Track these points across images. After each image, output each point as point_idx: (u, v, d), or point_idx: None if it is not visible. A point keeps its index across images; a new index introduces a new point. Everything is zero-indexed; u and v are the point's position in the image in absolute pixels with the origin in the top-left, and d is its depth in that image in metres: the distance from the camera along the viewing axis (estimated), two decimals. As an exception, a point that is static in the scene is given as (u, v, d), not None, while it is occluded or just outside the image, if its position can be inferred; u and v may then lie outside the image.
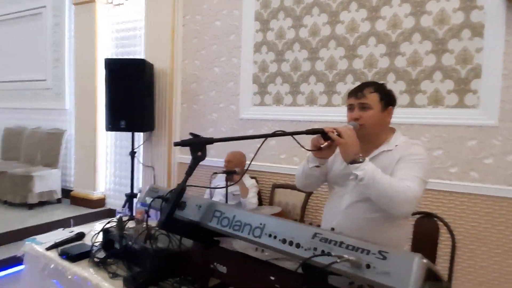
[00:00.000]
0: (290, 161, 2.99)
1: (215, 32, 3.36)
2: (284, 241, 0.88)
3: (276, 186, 2.89)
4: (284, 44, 3.03)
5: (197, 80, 3.49)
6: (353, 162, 1.25)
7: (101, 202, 4.16)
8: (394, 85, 2.53)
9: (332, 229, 1.41)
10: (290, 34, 3.00)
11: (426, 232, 1.89)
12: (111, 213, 4.01)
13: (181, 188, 1.01)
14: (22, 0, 4.78)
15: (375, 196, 1.25)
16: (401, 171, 1.30)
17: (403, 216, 1.26)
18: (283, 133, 1.24)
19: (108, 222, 1.57)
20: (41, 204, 4.07)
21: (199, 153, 1.04)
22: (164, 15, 3.49)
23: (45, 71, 4.61)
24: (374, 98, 1.38)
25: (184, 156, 3.51)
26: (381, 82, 1.59)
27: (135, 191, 3.52)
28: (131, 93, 3.25)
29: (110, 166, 4.19)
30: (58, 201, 4.29)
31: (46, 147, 4.38)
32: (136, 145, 3.54)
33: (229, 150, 2.87)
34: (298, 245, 0.86)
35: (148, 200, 1.24)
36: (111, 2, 3.97)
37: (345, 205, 1.42)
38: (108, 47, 4.07)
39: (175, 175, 3.60)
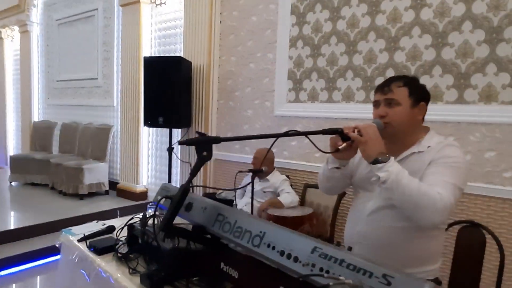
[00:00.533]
0: (325, 160, 2.84)
1: (251, 28, 3.32)
2: (282, 253, 0.82)
3: (308, 185, 2.79)
4: (320, 38, 2.90)
5: (233, 77, 3.48)
6: (375, 162, 1.12)
7: (143, 195, 4.34)
8: (441, 79, 2.31)
9: (350, 248, 1.30)
10: (327, 27, 2.86)
11: (471, 245, 1.69)
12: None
13: (184, 189, 0.98)
14: (78, 4, 5.12)
15: (399, 202, 1.13)
16: (432, 176, 1.15)
17: (431, 227, 1.12)
18: (297, 133, 1.17)
19: (132, 218, 1.61)
20: (91, 195, 4.36)
21: (205, 153, 1.00)
22: (201, 12, 3.52)
23: (97, 70, 4.92)
24: (403, 93, 1.24)
25: (220, 152, 3.53)
26: (412, 76, 1.43)
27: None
28: (169, 90, 3.33)
29: (151, 160, 4.36)
30: (106, 192, 4.56)
31: (96, 142, 4.67)
32: (174, 141, 3.63)
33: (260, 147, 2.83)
34: (296, 259, 0.79)
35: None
36: (154, 2, 4.09)
37: (368, 211, 1.30)
38: (151, 46, 4.21)
39: (211, 172, 3.64)
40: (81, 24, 5.12)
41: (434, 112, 1.60)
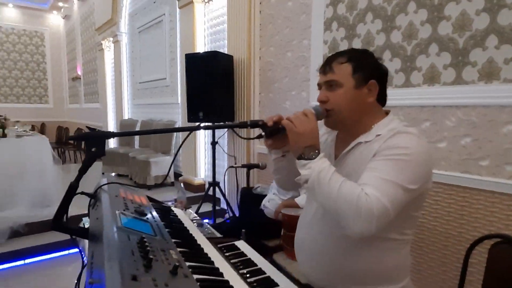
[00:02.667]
0: None
1: (287, 14, 3.13)
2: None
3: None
4: (355, 16, 2.56)
5: (272, 68, 3.35)
6: (300, 157, 0.94)
7: (201, 187, 4.55)
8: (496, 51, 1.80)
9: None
10: (362, 3, 2.51)
11: (507, 265, 1.29)
12: (209, 198, 4.35)
13: (70, 186, 0.96)
14: (151, 12, 5.62)
15: (322, 206, 0.92)
16: (367, 172, 0.91)
17: (359, 236, 0.87)
18: (214, 126, 1.03)
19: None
20: (157, 186, 4.77)
21: (93, 149, 0.96)
22: (242, 4, 3.47)
23: (165, 71, 5.33)
24: (345, 71, 1.00)
25: (263, 146, 3.44)
26: (363, 49, 1.13)
27: (217, 179, 3.70)
28: (208, 85, 3.38)
29: (208, 154, 4.53)
30: (172, 184, 4.93)
31: (163, 137, 5.08)
32: (218, 136, 3.69)
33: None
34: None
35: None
36: (203, 0, 4.21)
37: (311, 215, 1.09)
38: (204, 43, 4.36)
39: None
40: (154, 30, 5.60)
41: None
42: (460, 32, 1.95)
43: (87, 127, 4.03)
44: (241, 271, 1.08)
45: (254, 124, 1.06)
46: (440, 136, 2.07)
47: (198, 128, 1.07)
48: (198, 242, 1.05)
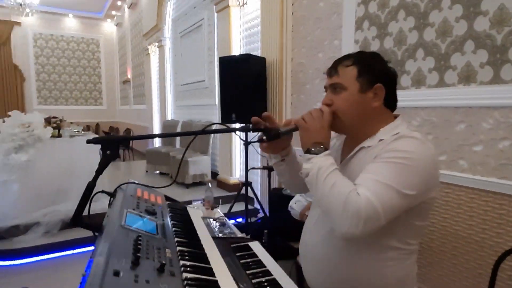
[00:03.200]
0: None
1: (319, 15, 3.10)
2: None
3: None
4: (387, 14, 2.46)
5: (303, 69, 3.33)
6: (307, 152, 0.96)
7: (236, 186, 4.63)
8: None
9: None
10: (394, 0, 2.41)
11: None
12: (242, 197, 4.43)
13: (88, 186, 1.05)
14: (192, 17, 5.83)
15: (318, 203, 0.93)
16: (363, 174, 0.90)
17: (346, 236, 0.85)
18: (216, 130, 1.08)
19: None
20: (195, 184, 4.95)
21: (108, 152, 1.05)
22: (274, 6, 3.49)
23: (204, 73, 5.51)
24: (350, 74, 0.99)
25: (295, 147, 3.44)
26: (372, 51, 1.09)
27: (250, 179, 3.76)
28: (241, 87, 3.45)
29: (242, 155, 4.60)
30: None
31: (202, 138, 5.25)
32: (250, 137, 3.74)
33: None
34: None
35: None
36: (239, 4, 4.29)
37: (315, 218, 1.09)
38: (240, 46, 4.44)
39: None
40: (194, 34, 5.81)
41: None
42: (498, 28, 1.81)
43: (103, 131, 4.28)
44: (248, 272, 1.11)
45: (256, 129, 1.08)
46: (476, 139, 1.93)
47: (204, 132, 1.12)
48: (202, 241, 1.10)
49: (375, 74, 0.98)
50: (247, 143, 3.70)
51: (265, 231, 2.34)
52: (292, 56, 3.46)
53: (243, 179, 4.57)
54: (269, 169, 2.42)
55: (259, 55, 3.68)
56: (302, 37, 3.32)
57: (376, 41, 2.55)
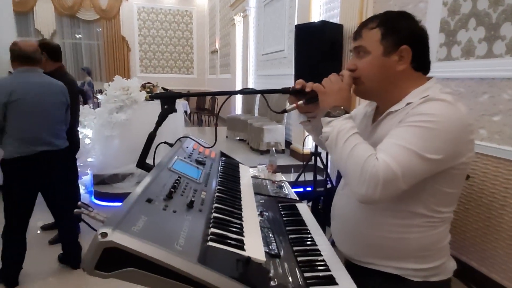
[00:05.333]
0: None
1: (404, -26, 2.82)
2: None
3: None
4: (484, -31, 2.14)
5: (383, 36, 3.11)
6: (327, 114, 0.95)
7: (307, 156, 4.66)
8: None
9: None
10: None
11: None
12: (312, 168, 4.46)
13: (149, 136, 1.23)
14: (275, -16, 5.79)
15: (336, 166, 0.94)
16: (386, 139, 0.87)
17: (363, 200, 0.83)
18: (253, 91, 1.14)
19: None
20: (269, 151, 5.11)
21: (166, 106, 1.20)
22: (357, -32, 3.28)
23: (283, 42, 5.50)
24: (374, 37, 0.94)
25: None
26: (401, 11, 0.99)
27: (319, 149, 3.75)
28: (316, 55, 3.39)
29: (316, 125, 4.58)
30: (282, 151, 5.21)
31: (277, 106, 5.34)
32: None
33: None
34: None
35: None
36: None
37: (344, 183, 1.10)
38: (319, 13, 4.30)
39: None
40: (276, 2, 5.78)
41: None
42: None
43: (162, 88, 4.60)
44: (288, 228, 1.19)
45: (295, 91, 1.11)
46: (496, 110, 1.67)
47: (238, 92, 1.19)
48: (242, 192, 1.21)
49: (401, 35, 0.92)
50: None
51: (321, 197, 2.38)
52: (372, 22, 3.25)
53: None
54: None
55: (338, 22, 3.53)
56: (384, 1, 3.07)
57: (468, 2, 2.25)
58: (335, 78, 0.98)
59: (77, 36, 11.60)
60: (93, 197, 3.96)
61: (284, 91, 1.11)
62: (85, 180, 4.21)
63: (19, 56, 2.19)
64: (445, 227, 0.96)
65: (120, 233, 0.61)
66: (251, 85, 7.40)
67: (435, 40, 2.50)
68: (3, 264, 2.31)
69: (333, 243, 1.14)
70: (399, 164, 0.79)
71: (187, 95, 1.23)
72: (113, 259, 0.60)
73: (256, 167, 2.09)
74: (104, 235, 0.60)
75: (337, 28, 3.40)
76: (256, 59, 7.08)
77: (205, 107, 10.19)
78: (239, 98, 8.36)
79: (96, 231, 0.61)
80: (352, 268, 0.99)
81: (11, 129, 2.16)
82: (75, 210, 0.77)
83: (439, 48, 2.48)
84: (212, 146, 1.38)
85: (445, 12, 2.43)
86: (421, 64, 0.95)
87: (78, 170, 3.23)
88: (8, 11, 5.67)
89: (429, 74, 1.00)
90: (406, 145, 0.81)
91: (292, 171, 4.77)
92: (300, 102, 1.07)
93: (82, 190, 3.85)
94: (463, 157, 0.87)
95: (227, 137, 6.53)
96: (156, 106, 4.41)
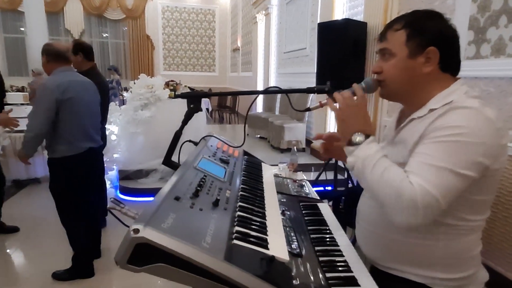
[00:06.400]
0: None
1: (432, -30, 2.74)
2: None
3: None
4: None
5: (409, 34, 3.04)
6: (348, 142, 0.91)
7: (328, 156, 4.63)
8: None
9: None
10: None
11: None
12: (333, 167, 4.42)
13: (175, 134, 1.27)
14: (298, -18, 5.75)
15: (369, 194, 0.92)
16: (414, 158, 0.84)
17: (404, 227, 0.80)
18: (277, 91, 1.16)
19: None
20: (289, 150, 5.11)
21: (192, 105, 1.23)
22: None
23: (305, 40, 5.46)
24: (399, 39, 0.92)
25: (389, 119, 3.25)
26: (427, 10, 0.95)
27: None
28: (339, 53, 3.35)
29: (337, 124, 4.54)
30: (303, 150, 5.19)
31: (298, 105, 5.32)
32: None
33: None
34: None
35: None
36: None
37: None
38: (343, 11, 4.24)
39: (380, 137, 3.43)
40: (299, 0, 5.74)
41: None
42: None
43: (188, 87, 4.63)
44: (310, 227, 1.20)
45: (321, 90, 1.11)
46: None
47: (263, 92, 1.21)
48: (264, 191, 1.22)
49: (427, 37, 0.89)
50: (340, 112, 3.64)
51: (343, 197, 2.36)
52: (398, 19, 3.18)
53: (336, 149, 4.55)
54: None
55: (362, 19, 3.48)
56: (411, -2, 3.00)
57: (500, -2, 2.17)
58: (350, 102, 0.93)
59: (104, 35, 11.94)
60: (118, 191, 4.09)
61: (308, 90, 1.12)
62: (111, 175, 4.36)
63: (56, 55, 2.24)
64: (476, 235, 0.93)
65: (151, 229, 0.64)
66: (272, 83, 7.40)
67: (463, 38, 2.43)
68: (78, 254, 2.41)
69: (353, 243, 1.14)
70: (436, 186, 0.77)
71: (213, 95, 1.25)
72: (145, 254, 0.64)
73: (276, 165, 2.11)
74: (136, 231, 0.63)
75: (361, 26, 3.35)
76: (278, 57, 7.06)
77: (227, 104, 10.27)
78: (260, 96, 8.36)
79: (129, 227, 0.65)
80: (377, 273, 0.98)
81: (63, 128, 2.20)
82: (108, 206, 0.81)
83: (468, 46, 2.40)
84: (241, 146, 1.40)
85: (474, 9, 2.35)
86: (449, 65, 0.93)
87: (105, 165, 3.35)
88: (41, 12, 5.93)
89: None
90: (438, 163, 0.78)
91: (313, 170, 4.74)
92: (324, 101, 1.07)
93: (108, 185, 3.99)
94: (496, 162, 0.84)
95: (247, 134, 6.56)
96: (178, 104, 4.46)
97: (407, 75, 0.93)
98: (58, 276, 2.39)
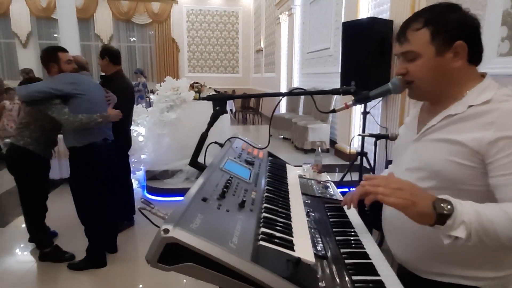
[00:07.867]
0: None
1: (463, -35, 2.64)
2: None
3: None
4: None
5: (438, 31, 2.95)
6: (439, 220, 0.76)
7: (353, 156, 4.55)
8: None
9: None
10: None
11: None
12: (358, 168, 4.35)
13: (201, 135, 1.30)
14: (322, -19, 5.71)
15: (494, 248, 0.80)
16: (508, 186, 0.78)
17: None
18: (302, 92, 1.16)
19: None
20: (313, 150, 5.07)
21: (217, 108, 1.26)
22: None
23: (329, 40, 5.40)
24: (422, 39, 0.88)
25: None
26: (445, 2, 0.91)
27: (367, 150, 3.66)
28: (364, 53, 3.30)
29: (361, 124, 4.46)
30: (327, 150, 5.14)
31: (323, 106, 5.27)
32: (375, 105, 3.59)
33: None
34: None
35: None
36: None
37: None
38: (368, 9, 4.17)
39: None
40: (323, 0, 5.69)
41: None
42: None
43: (214, 90, 4.66)
44: (335, 229, 1.19)
45: (346, 91, 1.11)
46: None
47: (287, 94, 1.21)
48: (290, 194, 1.23)
49: (452, 31, 0.85)
50: (365, 112, 3.58)
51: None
52: (426, 16, 3.09)
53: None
54: (377, 137, 2.34)
55: (387, 17, 3.41)
56: (439, -6, 2.91)
57: (536, -9, 2.07)
58: (405, 185, 0.80)
59: (132, 40, 12.31)
60: (145, 191, 4.20)
61: (333, 92, 1.11)
62: (138, 176, 4.49)
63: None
64: None
65: (180, 230, 0.66)
66: (295, 83, 7.37)
67: (496, 33, 2.33)
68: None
69: (379, 246, 1.12)
70: None
71: (238, 97, 1.27)
72: (174, 253, 0.66)
73: (300, 166, 2.10)
74: (166, 231, 0.65)
75: (386, 25, 3.28)
76: (301, 58, 7.03)
77: (250, 106, 10.32)
78: (283, 98, 8.36)
79: (159, 228, 0.67)
80: (417, 282, 0.94)
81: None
82: (139, 207, 0.84)
83: (501, 43, 2.30)
84: (265, 147, 1.41)
85: (508, 3, 2.25)
86: (476, 56, 0.89)
87: (132, 166, 3.46)
88: (73, 18, 6.20)
89: (487, 70, 0.94)
90: None
91: (337, 171, 4.69)
92: (350, 102, 1.07)
93: (135, 184, 4.11)
94: None
95: (271, 135, 6.56)
96: (203, 106, 4.55)
97: (437, 73, 0.90)
98: (73, 266, 2.58)
